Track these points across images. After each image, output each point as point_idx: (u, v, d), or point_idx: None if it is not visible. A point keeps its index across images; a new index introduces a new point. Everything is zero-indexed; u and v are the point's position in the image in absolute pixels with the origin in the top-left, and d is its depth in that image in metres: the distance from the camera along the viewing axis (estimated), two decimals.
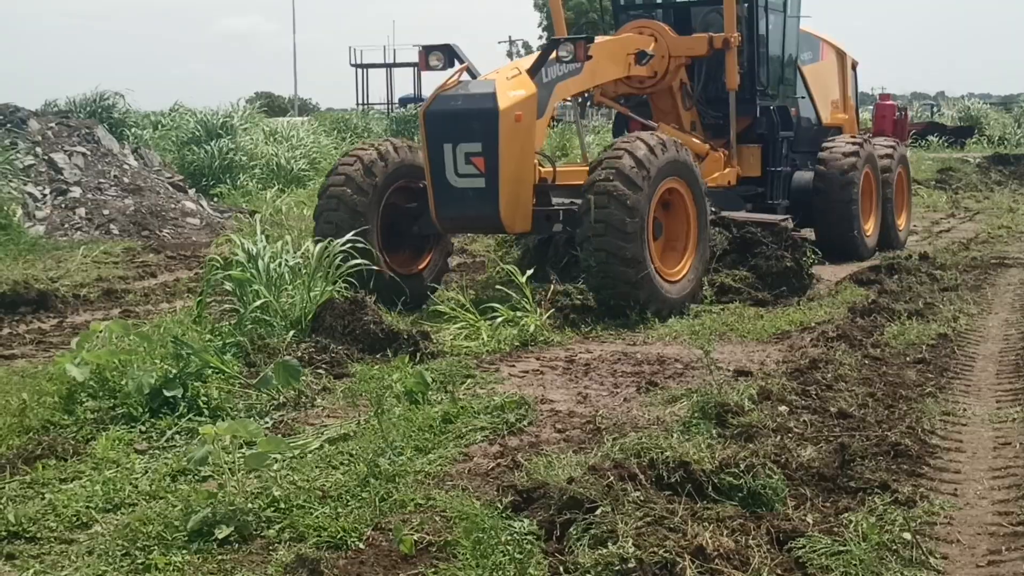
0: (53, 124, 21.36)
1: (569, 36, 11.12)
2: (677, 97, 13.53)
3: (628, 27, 13.60)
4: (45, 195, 18.94)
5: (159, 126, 28.99)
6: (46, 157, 19.88)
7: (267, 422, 6.79)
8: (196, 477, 5.73)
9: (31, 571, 4.34)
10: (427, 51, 11.29)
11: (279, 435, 6.36)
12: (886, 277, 12.20)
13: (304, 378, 7.47)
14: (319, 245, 9.76)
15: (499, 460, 6.05)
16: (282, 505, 5.23)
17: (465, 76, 11.12)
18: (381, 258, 10.86)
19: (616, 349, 9.21)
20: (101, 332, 7.55)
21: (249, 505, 5.14)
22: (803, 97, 15.55)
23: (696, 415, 6.51)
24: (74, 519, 5.25)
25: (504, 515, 5.01)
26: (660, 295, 10.37)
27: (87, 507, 5.37)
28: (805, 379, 7.49)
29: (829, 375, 7.56)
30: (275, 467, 5.69)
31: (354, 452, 6.07)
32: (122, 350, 7.42)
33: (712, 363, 7.69)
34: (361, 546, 4.85)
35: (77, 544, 5.00)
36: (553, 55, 11.08)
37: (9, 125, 20.31)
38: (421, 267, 11.78)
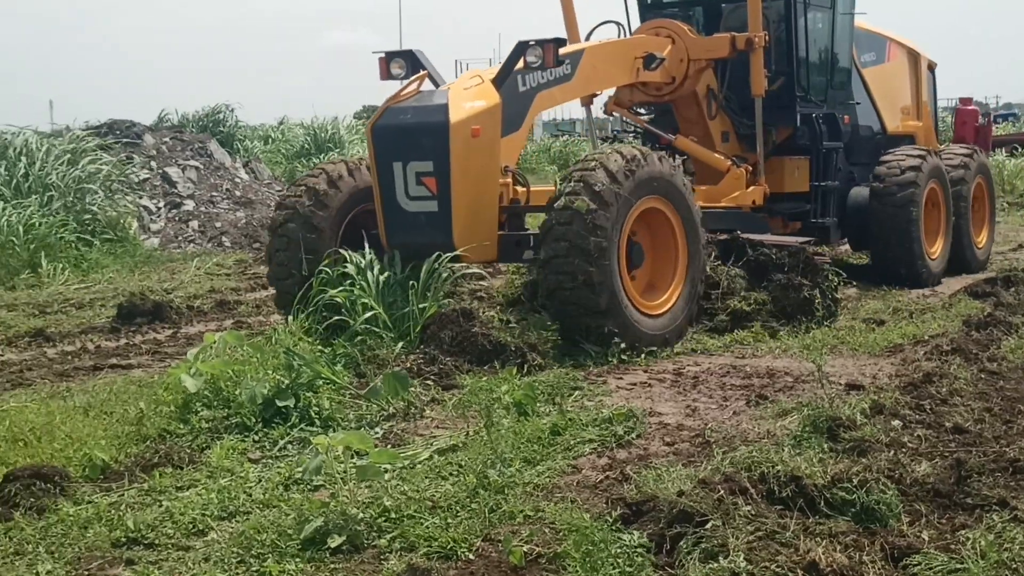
0: (167, 139, 21.88)
1: (539, 39, 9.67)
2: (702, 105, 12.25)
3: (644, 27, 12.36)
4: (160, 208, 19.38)
5: (269, 139, 29.46)
6: (161, 171, 20.34)
7: (377, 432, 6.86)
8: (308, 486, 5.80)
9: None
10: (388, 58, 10.10)
11: (389, 446, 6.43)
12: (1002, 289, 11.88)
13: (413, 389, 7.55)
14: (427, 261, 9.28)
15: (607, 473, 6.03)
16: (393, 515, 5.27)
17: (427, 85, 9.97)
18: None
19: (725, 362, 9.13)
20: (215, 343, 7.70)
21: (361, 515, 5.19)
22: (859, 103, 14.00)
23: (807, 429, 6.43)
24: (190, 526, 5.35)
25: (613, 528, 5.01)
26: (634, 329, 9.13)
27: (203, 514, 5.47)
28: (919, 393, 7.35)
29: (944, 389, 7.41)
30: (386, 477, 5.73)
31: (463, 463, 6.10)
32: (235, 361, 7.56)
33: (823, 376, 7.60)
34: (471, 557, 4.87)
35: (194, 551, 5.10)
36: (521, 62, 9.82)
37: (126, 140, 20.83)
38: None
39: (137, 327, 11.18)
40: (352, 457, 5.58)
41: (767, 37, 12.00)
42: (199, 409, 7.07)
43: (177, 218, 19.24)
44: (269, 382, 7.14)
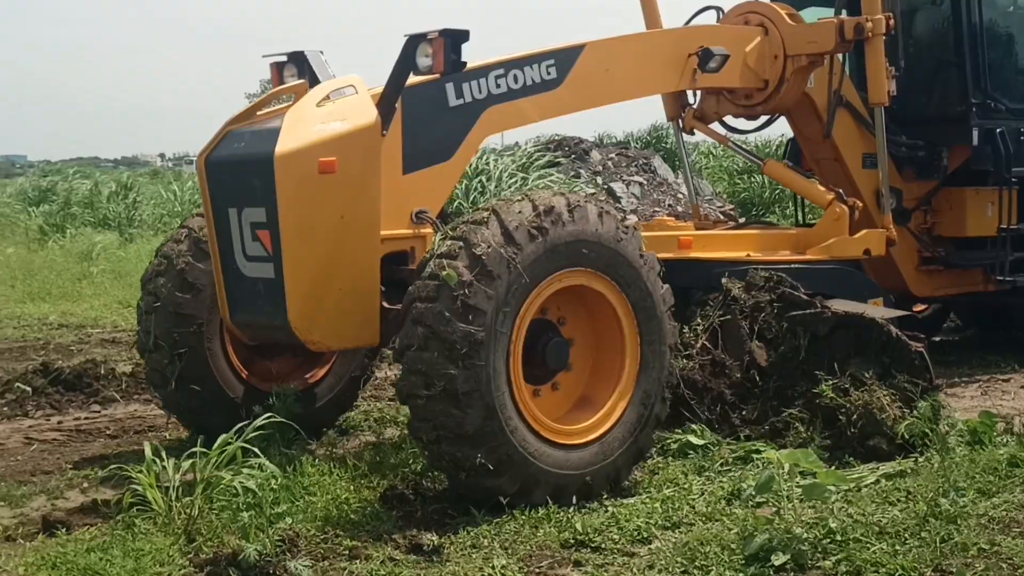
0: (613, 155, 22.53)
1: (443, 30, 6.51)
2: (823, 116, 9.02)
3: (734, 11, 9.10)
4: None
5: (711, 155, 29.66)
6: (606, 186, 20.96)
7: (825, 455, 6.71)
8: (751, 502, 5.79)
9: None
10: (279, 66, 7.27)
11: (833, 467, 6.31)
12: None
13: None
14: None
15: None
16: (839, 537, 5.16)
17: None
18: (229, 370, 7.38)
19: None
20: None
21: (805, 535, 5.12)
22: None
23: None
24: (635, 533, 5.48)
25: None
26: (530, 466, 5.83)
27: (647, 523, 5.59)
28: None
29: None
30: (831, 499, 5.63)
31: (912, 490, 5.90)
32: None
33: None
34: None
35: (638, 558, 5.22)
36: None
37: (573, 156, 21.65)
38: (313, 379, 7.67)
39: None
40: (797, 476, 5.52)
41: (890, 21, 8.63)
42: None
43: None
44: None
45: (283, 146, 6.23)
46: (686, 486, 6.20)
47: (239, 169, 6.50)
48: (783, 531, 5.10)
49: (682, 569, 5.01)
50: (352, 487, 6.14)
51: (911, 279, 9.62)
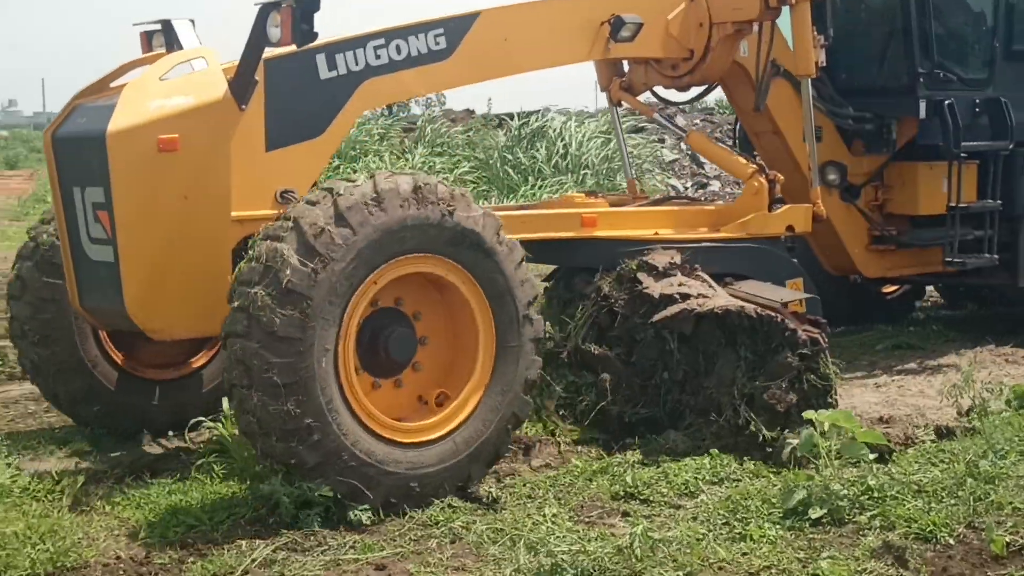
0: (698, 120, 22.61)
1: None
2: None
3: None
4: (687, 188, 20.11)
5: None
6: (690, 152, 21.06)
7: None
8: (794, 459, 6.02)
9: (640, 526, 4.87)
10: (149, 35, 6.75)
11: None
12: None
13: None
14: None
15: None
16: (876, 495, 5.36)
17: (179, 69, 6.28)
18: (103, 357, 6.88)
19: None
20: None
21: (844, 491, 5.33)
22: None
23: None
24: (683, 487, 5.77)
25: None
26: (361, 464, 5.40)
27: (695, 478, 5.87)
28: None
29: None
30: (870, 458, 5.84)
31: (955, 451, 6.08)
32: None
33: None
34: (951, 541, 4.90)
35: (684, 509, 5.50)
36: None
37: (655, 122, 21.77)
38: (198, 364, 7.15)
39: None
40: (838, 435, 5.74)
41: None
42: None
43: (703, 197, 19.90)
44: None
45: (116, 123, 5.80)
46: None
47: (80, 146, 6.08)
48: (823, 488, 5.33)
49: (723, 521, 5.28)
50: None
51: (860, 259, 9.06)
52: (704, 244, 7.45)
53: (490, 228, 5.78)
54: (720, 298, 6.64)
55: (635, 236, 7.34)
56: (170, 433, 6.84)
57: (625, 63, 8.32)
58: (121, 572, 4.84)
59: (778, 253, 7.81)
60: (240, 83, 6.01)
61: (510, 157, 18.86)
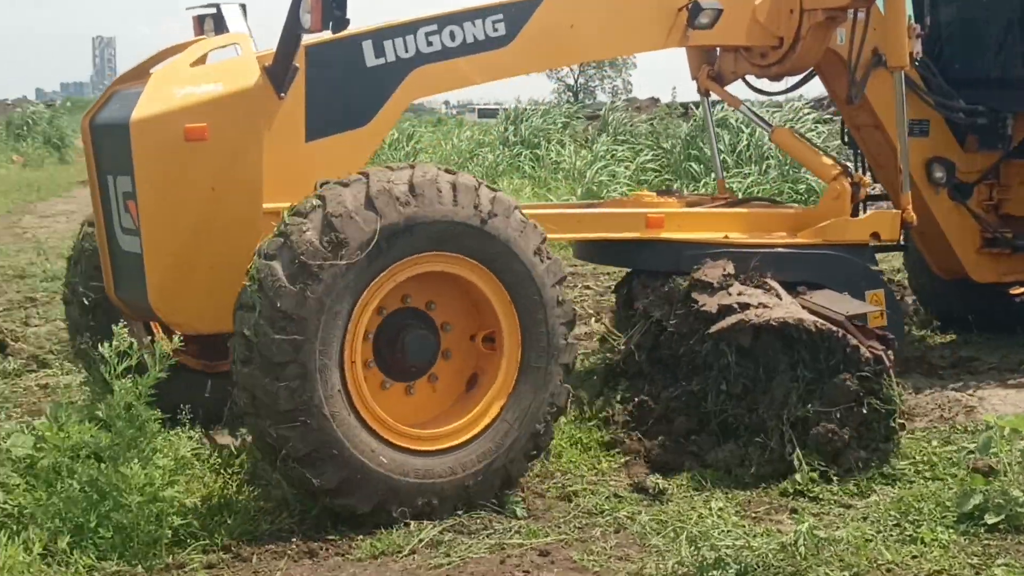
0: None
1: None
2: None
3: None
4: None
5: None
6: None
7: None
8: (969, 463, 5.85)
9: (806, 524, 4.80)
10: (201, 19, 6.58)
11: None
12: None
13: None
14: None
15: None
16: None
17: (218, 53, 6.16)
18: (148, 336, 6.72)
19: None
20: None
21: (1022, 497, 5.17)
22: None
23: None
24: (855, 487, 5.65)
25: None
26: (371, 473, 5.16)
27: (867, 477, 5.74)
28: None
29: None
30: None
31: None
32: None
33: None
34: None
35: (853, 509, 5.41)
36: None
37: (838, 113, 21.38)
38: None
39: None
40: (1018, 439, 5.57)
41: None
42: None
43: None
44: None
45: (140, 111, 5.56)
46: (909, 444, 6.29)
47: (111, 133, 5.86)
48: (1000, 493, 5.18)
49: (894, 522, 5.17)
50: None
51: (970, 263, 8.32)
52: (778, 250, 6.97)
53: (512, 221, 5.43)
54: (781, 309, 6.09)
55: (703, 239, 6.93)
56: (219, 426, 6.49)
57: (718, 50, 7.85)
58: (294, 546, 4.99)
59: (857, 262, 7.13)
60: (278, 70, 5.78)
61: (693, 151, 18.72)
